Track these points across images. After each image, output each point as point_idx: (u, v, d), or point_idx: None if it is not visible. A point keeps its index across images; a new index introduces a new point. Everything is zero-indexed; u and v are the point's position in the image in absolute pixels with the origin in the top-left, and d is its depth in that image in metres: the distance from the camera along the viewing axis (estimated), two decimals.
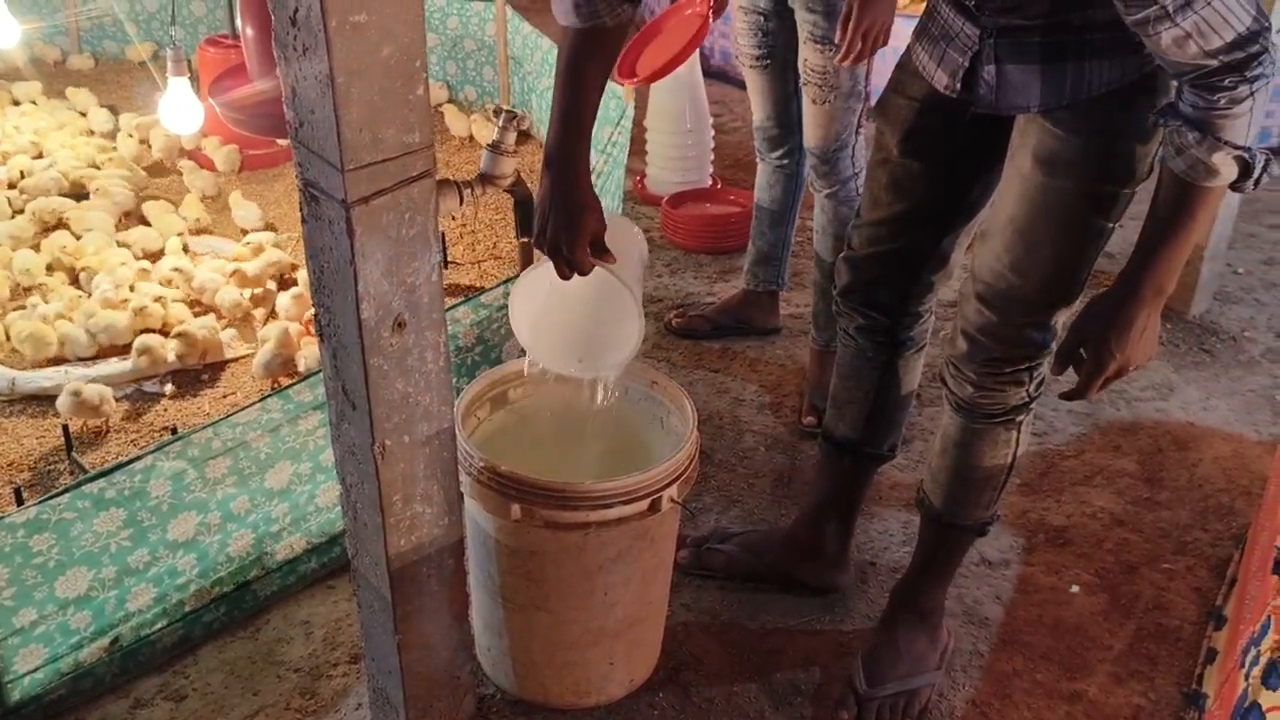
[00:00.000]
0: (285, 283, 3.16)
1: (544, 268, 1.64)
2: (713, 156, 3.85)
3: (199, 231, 3.49)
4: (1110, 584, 2.14)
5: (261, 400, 1.92)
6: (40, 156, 3.87)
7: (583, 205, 1.59)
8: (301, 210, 1.31)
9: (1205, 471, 2.48)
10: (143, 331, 2.84)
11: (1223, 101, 1.30)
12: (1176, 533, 2.28)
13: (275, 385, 2.72)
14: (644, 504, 1.61)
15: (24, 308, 3.00)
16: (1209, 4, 1.23)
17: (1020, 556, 2.21)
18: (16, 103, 4.44)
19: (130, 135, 4.06)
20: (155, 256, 3.31)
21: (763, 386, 2.75)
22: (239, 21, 2.84)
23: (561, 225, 1.58)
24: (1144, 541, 2.26)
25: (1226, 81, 1.29)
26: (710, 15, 2.52)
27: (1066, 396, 1.57)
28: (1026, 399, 1.71)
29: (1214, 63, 1.28)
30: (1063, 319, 1.65)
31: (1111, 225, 1.58)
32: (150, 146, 4.00)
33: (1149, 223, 1.44)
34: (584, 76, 1.60)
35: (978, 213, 1.79)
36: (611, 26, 1.60)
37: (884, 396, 1.96)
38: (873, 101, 2.53)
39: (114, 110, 4.37)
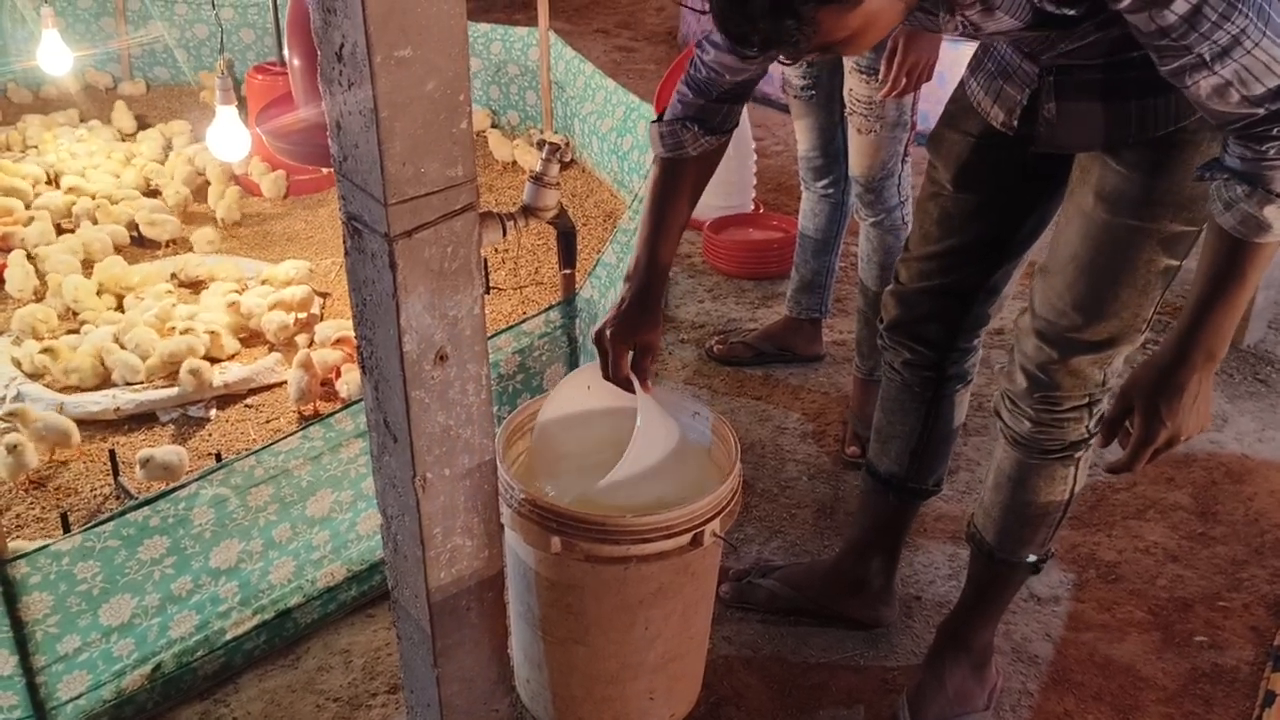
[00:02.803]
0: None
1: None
2: (755, 181, 3.83)
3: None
4: (1164, 622, 2.09)
5: (303, 428, 1.92)
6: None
7: (639, 322, 1.65)
8: (345, 243, 1.31)
9: (1261, 505, 2.41)
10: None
11: (1272, 152, 1.24)
12: (1232, 569, 2.23)
13: (315, 411, 2.74)
14: (686, 538, 1.58)
15: (76, 331, 3.05)
16: (1249, 52, 1.19)
17: (1071, 592, 2.16)
18: (78, 124, 4.54)
19: (186, 158, 4.14)
20: (198, 284, 3.36)
21: (805, 415, 2.73)
22: (286, 50, 2.87)
23: (617, 320, 1.65)
24: (1198, 578, 2.20)
25: (1275, 130, 1.23)
26: None
27: (1113, 469, 1.49)
28: (1086, 435, 1.67)
29: (1260, 111, 1.22)
30: (1125, 356, 1.62)
31: (1178, 263, 1.54)
32: (199, 172, 4.07)
33: (1197, 283, 1.37)
34: (667, 204, 1.69)
35: (1030, 246, 1.76)
36: (696, 156, 1.67)
37: (930, 432, 1.93)
38: (919, 130, 2.52)
39: (164, 134, 4.45)
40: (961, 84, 1.72)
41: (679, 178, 1.69)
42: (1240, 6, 1.17)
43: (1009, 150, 1.63)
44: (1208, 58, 1.20)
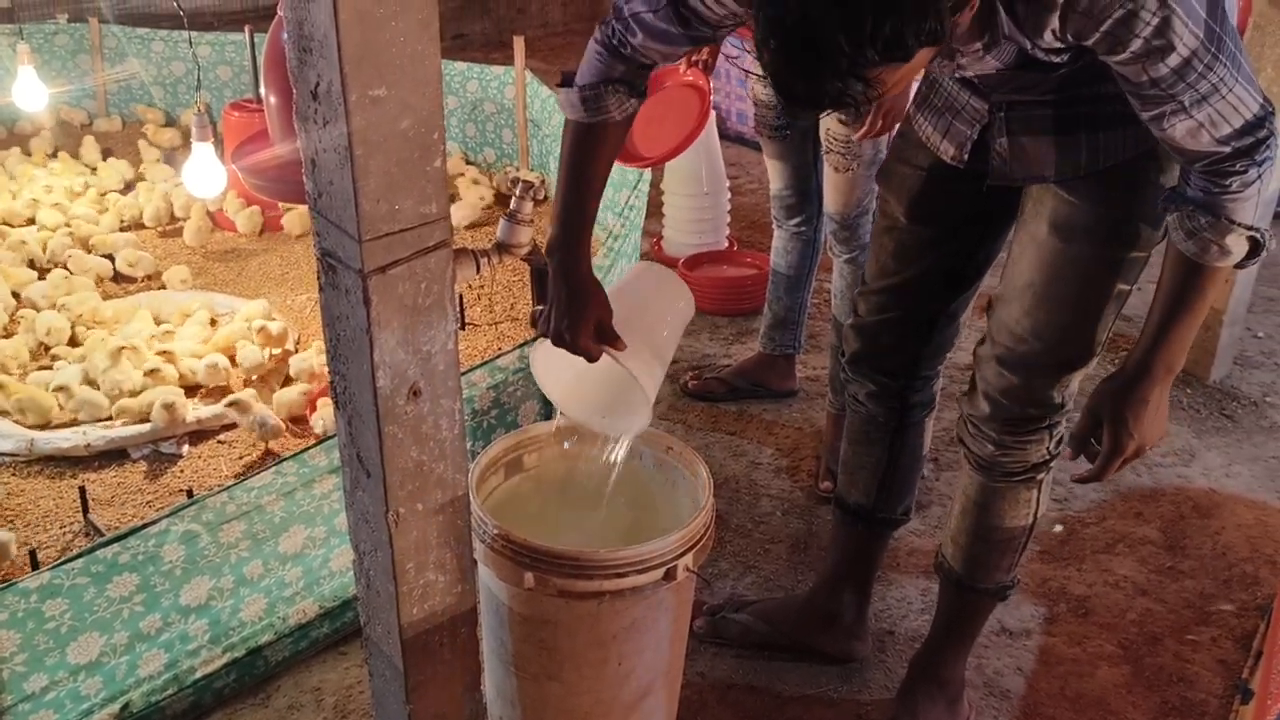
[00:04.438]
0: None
1: None
2: (729, 219, 3.87)
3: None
4: (1133, 656, 2.10)
5: (276, 464, 1.92)
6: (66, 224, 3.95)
7: (583, 294, 1.58)
8: (319, 279, 1.32)
9: (1228, 540, 2.44)
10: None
11: (1234, 185, 1.32)
12: (1200, 603, 2.25)
13: (266, 450, 2.74)
14: (659, 573, 1.59)
15: (48, 368, 3.03)
16: (1224, 97, 1.26)
17: (1041, 626, 2.17)
18: (51, 157, 4.55)
19: (161, 190, 4.15)
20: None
21: (779, 450, 2.74)
22: (263, 88, 2.89)
23: (563, 314, 1.58)
24: (1167, 612, 2.22)
25: (1237, 166, 1.30)
26: (709, 84, 2.57)
27: (1082, 479, 1.56)
28: (1047, 456, 1.71)
29: (1226, 149, 1.30)
30: (1080, 378, 1.66)
31: (1129, 287, 1.59)
32: (173, 206, 4.08)
33: (1158, 302, 1.44)
34: (588, 170, 1.62)
35: (985, 271, 1.81)
36: (619, 120, 1.60)
37: (896, 461, 1.95)
38: None
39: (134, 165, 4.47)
40: (908, 119, 1.75)
41: (601, 142, 1.61)
42: (1221, 57, 1.24)
43: (960, 181, 1.67)
44: (1187, 104, 1.27)
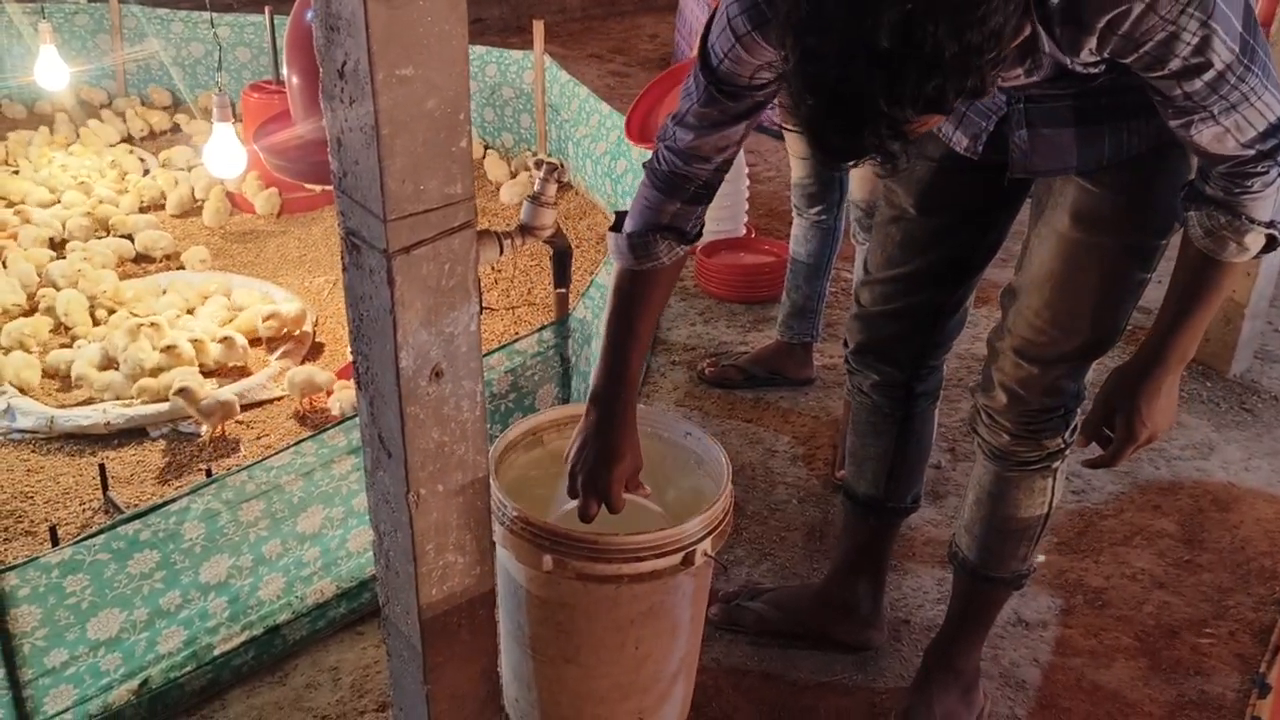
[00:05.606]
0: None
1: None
2: (747, 206, 3.85)
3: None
4: (1150, 648, 2.10)
5: (296, 444, 1.92)
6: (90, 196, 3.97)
7: (623, 451, 1.60)
8: (343, 259, 1.32)
9: (1246, 533, 2.43)
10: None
11: (1255, 186, 1.33)
12: (1218, 596, 2.24)
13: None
14: (677, 558, 1.59)
15: (68, 345, 3.05)
16: (1253, 104, 1.27)
17: (1058, 618, 2.17)
18: (73, 139, 4.57)
19: (170, 175, 4.15)
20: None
21: (795, 438, 2.73)
22: (283, 68, 2.89)
23: (600, 468, 1.59)
24: (1185, 605, 2.21)
25: (1259, 168, 1.31)
26: None
27: (1093, 464, 1.58)
28: (1063, 445, 1.70)
29: (1250, 152, 1.31)
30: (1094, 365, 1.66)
31: (1149, 276, 1.59)
32: (194, 190, 4.09)
33: (1173, 294, 1.46)
34: (637, 319, 1.61)
35: (991, 259, 1.80)
36: (669, 265, 1.59)
37: (903, 451, 1.94)
38: None
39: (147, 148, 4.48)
40: None
41: (652, 287, 1.61)
42: (1253, 67, 1.25)
43: (972, 173, 1.65)
44: (1216, 112, 1.28)
